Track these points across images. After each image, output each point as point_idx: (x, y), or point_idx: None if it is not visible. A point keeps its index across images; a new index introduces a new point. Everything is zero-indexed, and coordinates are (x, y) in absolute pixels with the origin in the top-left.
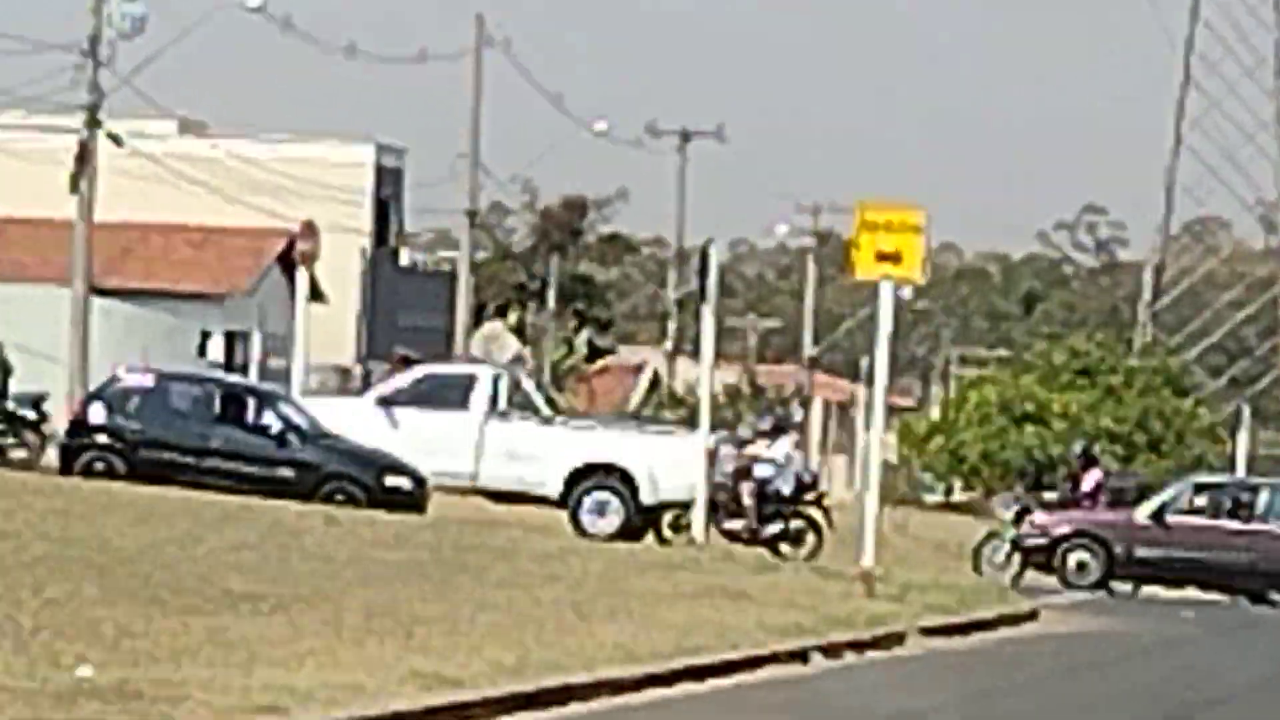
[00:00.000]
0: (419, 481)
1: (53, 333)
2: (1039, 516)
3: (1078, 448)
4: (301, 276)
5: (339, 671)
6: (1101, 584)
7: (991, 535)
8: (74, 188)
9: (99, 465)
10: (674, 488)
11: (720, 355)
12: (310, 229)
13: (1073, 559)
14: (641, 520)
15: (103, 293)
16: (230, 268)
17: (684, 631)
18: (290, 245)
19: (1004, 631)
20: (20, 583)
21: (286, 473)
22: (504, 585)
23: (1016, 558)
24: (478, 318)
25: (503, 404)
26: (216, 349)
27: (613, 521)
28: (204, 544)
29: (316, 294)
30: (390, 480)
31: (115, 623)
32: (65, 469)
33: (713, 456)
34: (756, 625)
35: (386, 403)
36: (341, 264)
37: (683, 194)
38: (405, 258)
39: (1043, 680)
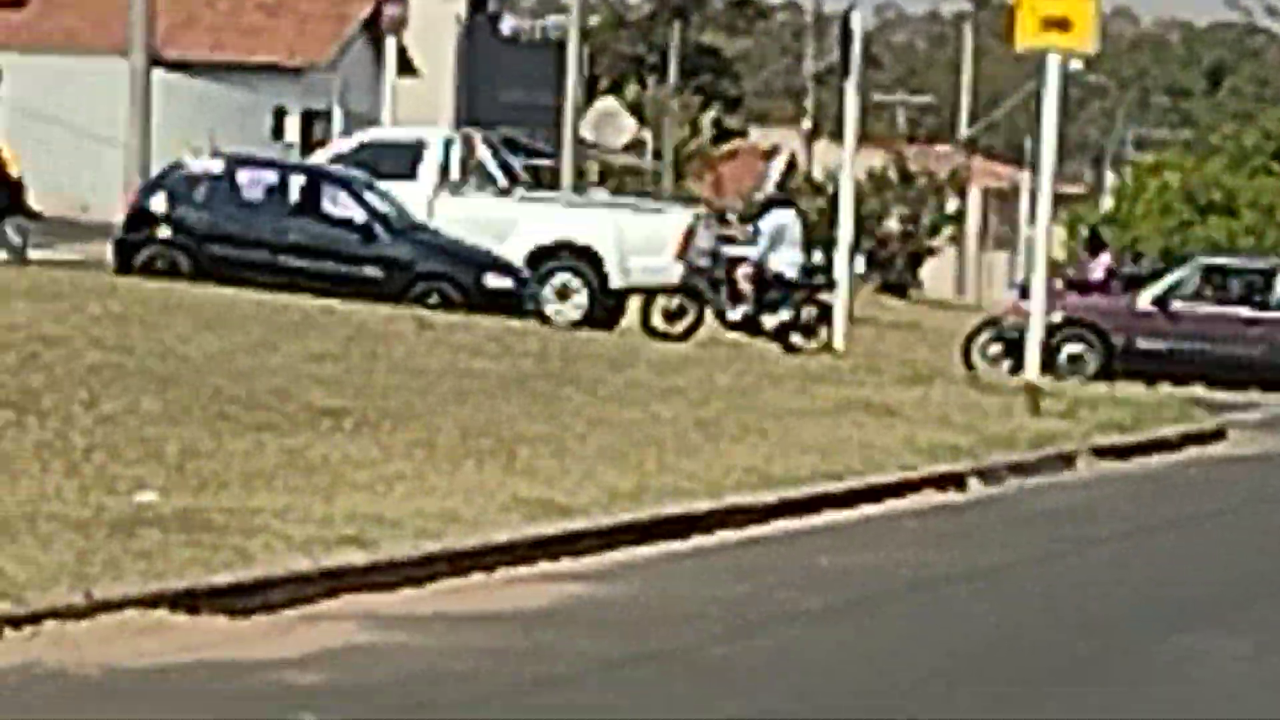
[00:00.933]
0: (523, 281)
1: (109, 111)
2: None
3: (1084, 231)
4: (389, 46)
5: (432, 498)
6: (1098, 380)
7: (988, 324)
8: None
9: (160, 262)
10: (647, 270)
11: (865, 137)
12: None
13: (1065, 351)
14: (611, 306)
15: (165, 65)
16: (309, 36)
17: (824, 453)
18: (377, 10)
19: (1189, 452)
20: (72, 397)
21: (373, 271)
22: (619, 400)
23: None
24: (590, 94)
25: (455, 174)
26: (293, 129)
27: (577, 308)
28: (279, 352)
29: (406, 67)
30: (491, 280)
31: (179, 442)
32: (122, 267)
33: (690, 235)
34: (905, 445)
35: None
36: (434, 32)
37: None
38: (507, 26)
39: (1234, 508)
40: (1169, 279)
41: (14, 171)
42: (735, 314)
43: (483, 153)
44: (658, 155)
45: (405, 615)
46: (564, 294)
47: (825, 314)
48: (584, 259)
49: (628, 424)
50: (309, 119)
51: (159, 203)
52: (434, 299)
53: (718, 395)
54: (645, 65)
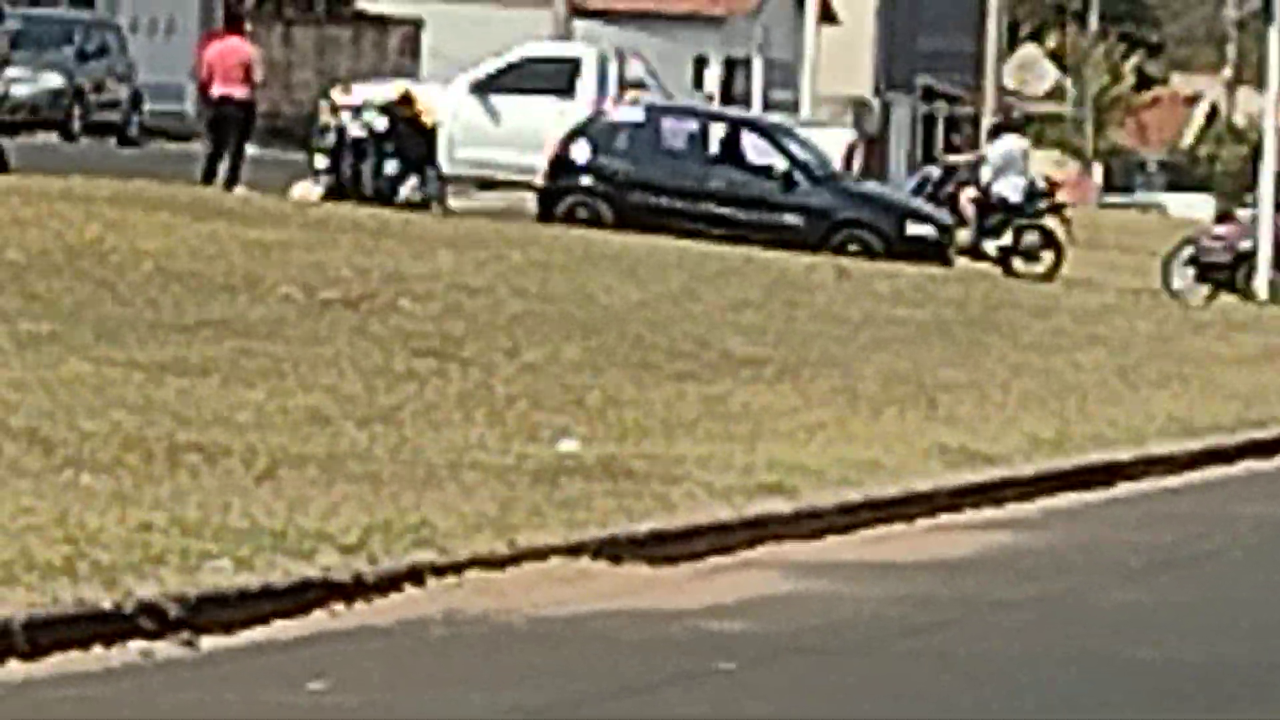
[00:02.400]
0: (944, 229)
1: None
2: (1221, 227)
3: None
4: None
5: (853, 446)
6: None
7: (1188, 242)
8: None
9: (582, 211)
10: None
11: None
12: None
13: (1260, 280)
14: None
15: (586, 14)
16: None
17: (1247, 400)
18: None
19: None
20: (494, 345)
21: (793, 219)
22: (1040, 348)
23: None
24: (1011, 42)
25: (612, 91)
26: (713, 78)
27: None
28: (701, 301)
29: (828, 15)
30: (912, 228)
31: (601, 390)
32: (544, 215)
33: (851, 153)
34: None
35: (481, 89)
36: None
37: None
38: None
39: None
40: None
41: (429, 120)
42: (959, 238)
43: (638, 70)
44: (1079, 103)
45: (827, 563)
46: None
47: (1049, 239)
48: None
49: (1049, 371)
50: (730, 67)
51: (581, 151)
52: (854, 247)
53: (1139, 343)
54: (1067, 12)
